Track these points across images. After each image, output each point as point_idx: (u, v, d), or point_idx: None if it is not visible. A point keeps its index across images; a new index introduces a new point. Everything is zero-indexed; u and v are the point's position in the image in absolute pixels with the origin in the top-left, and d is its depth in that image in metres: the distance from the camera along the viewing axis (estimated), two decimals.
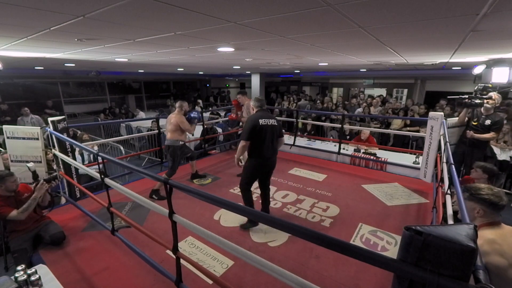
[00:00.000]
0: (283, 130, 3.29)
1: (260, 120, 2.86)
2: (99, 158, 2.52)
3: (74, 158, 3.72)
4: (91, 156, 4.56)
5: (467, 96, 3.60)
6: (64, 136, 3.28)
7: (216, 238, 1.66)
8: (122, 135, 8.47)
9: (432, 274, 0.85)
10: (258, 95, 3.01)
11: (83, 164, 4.12)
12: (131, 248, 2.44)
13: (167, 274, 2.10)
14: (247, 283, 2.25)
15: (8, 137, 3.41)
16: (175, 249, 1.95)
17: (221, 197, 1.62)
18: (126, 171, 4.50)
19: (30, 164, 2.87)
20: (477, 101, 3.53)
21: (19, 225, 2.63)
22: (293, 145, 5.87)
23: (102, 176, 2.58)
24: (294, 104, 10.19)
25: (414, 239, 0.89)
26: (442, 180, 2.92)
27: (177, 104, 3.99)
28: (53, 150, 3.46)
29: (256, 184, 3.18)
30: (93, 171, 2.83)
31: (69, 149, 3.50)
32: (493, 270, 1.38)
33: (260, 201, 3.25)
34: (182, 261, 2.00)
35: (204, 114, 6.17)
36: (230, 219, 3.18)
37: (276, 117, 3.11)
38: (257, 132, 2.84)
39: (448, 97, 5.24)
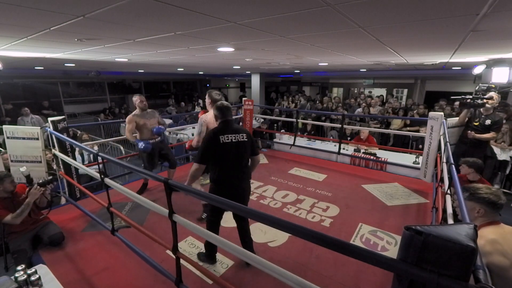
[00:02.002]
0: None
1: (221, 136, 2.18)
2: (99, 158, 2.52)
3: (74, 158, 3.72)
4: (91, 156, 4.56)
5: (470, 97, 3.60)
6: (64, 136, 3.29)
7: (216, 238, 1.66)
8: (122, 135, 8.47)
9: (432, 274, 0.85)
10: (224, 103, 2.36)
11: (83, 164, 4.13)
12: (131, 248, 2.44)
13: (167, 274, 2.10)
14: (247, 283, 2.25)
15: (8, 137, 3.41)
16: (175, 249, 1.95)
17: (220, 197, 1.62)
18: (126, 171, 4.50)
19: (23, 169, 2.79)
20: (480, 101, 3.54)
21: (15, 227, 2.61)
22: (293, 145, 5.88)
23: (102, 176, 2.57)
24: (293, 104, 10.20)
25: (414, 239, 0.89)
26: (442, 180, 2.92)
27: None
28: (53, 150, 3.46)
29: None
30: (93, 171, 2.82)
31: (69, 149, 3.50)
32: (495, 271, 1.38)
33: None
34: (182, 261, 2.00)
35: None
36: (230, 219, 3.17)
37: (246, 130, 2.38)
38: (216, 152, 2.18)
39: (452, 97, 5.24)
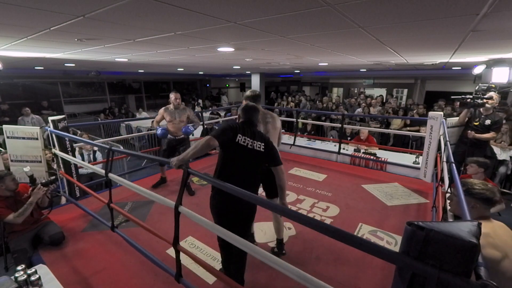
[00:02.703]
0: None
1: (239, 135, 1.87)
2: (98, 155, 2.52)
3: (74, 157, 3.72)
4: (91, 156, 4.58)
5: (470, 97, 3.61)
6: (67, 134, 3.29)
7: (220, 230, 1.65)
8: (122, 135, 8.48)
9: (433, 268, 0.85)
10: (250, 104, 2.15)
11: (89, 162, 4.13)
12: (131, 245, 2.43)
13: (167, 269, 2.08)
14: (247, 283, 2.25)
15: (8, 137, 3.42)
16: (176, 242, 1.92)
17: (238, 188, 1.60)
18: (126, 170, 4.51)
19: (27, 169, 2.81)
20: (479, 101, 3.55)
21: (17, 227, 2.62)
22: (293, 145, 5.88)
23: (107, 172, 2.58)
24: (293, 104, 10.22)
25: (416, 234, 0.89)
26: (442, 180, 2.92)
27: None
28: (53, 149, 3.46)
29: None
30: (96, 168, 2.82)
31: (69, 149, 3.50)
32: (487, 264, 1.40)
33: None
34: (182, 261, 1.99)
35: (204, 114, 6.17)
36: None
37: (267, 139, 1.99)
38: (227, 149, 1.89)
39: (452, 97, 5.25)
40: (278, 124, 2.60)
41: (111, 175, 2.57)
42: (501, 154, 4.60)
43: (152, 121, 4.13)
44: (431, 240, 0.86)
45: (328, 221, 3.19)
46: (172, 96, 3.90)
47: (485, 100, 3.55)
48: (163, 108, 3.95)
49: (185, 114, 3.96)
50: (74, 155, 3.67)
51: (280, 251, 2.58)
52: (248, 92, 2.48)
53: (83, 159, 4.57)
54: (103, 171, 2.63)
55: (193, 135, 6.95)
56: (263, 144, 1.94)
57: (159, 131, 3.78)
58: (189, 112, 4.00)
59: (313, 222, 1.29)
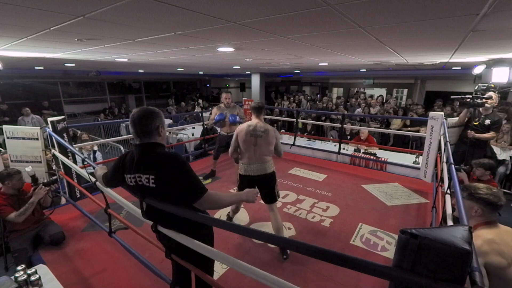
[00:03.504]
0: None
1: (125, 175, 1.46)
2: (88, 161, 2.51)
3: (75, 158, 3.71)
4: (91, 156, 4.57)
5: (470, 96, 3.61)
6: (59, 138, 3.25)
7: (205, 248, 1.52)
8: (122, 135, 8.48)
9: (428, 279, 0.85)
10: (143, 108, 1.45)
11: (84, 164, 4.11)
12: (128, 251, 2.42)
13: (163, 277, 2.08)
14: (247, 284, 2.25)
15: (8, 137, 3.42)
16: (168, 254, 1.90)
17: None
18: None
19: (29, 169, 2.82)
20: (479, 101, 3.55)
21: (18, 226, 2.63)
22: (293, 145, 5.88)
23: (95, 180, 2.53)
24: (294, 104, 10.23)
25: (410, 243, 0.89)
26: (442, 180, 2.92)
27: None
28: (52, 150, 3.46)
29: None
30: (86, 173, 2.76)
31: (69, 149, 3.49)
32: (492, 271, 1.38)
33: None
34: None
35: (204, 114, 6.17)
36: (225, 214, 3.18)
37: (162, 165, 1.34)
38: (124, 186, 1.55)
39: (451, 97, 5.25)
40: (271, 139, 2.46)
41: (98, 183, 2.51)
42: (501, 154, 4.60)
43: (207, 121, 4.85)
44: (424, 248, 0.86)
45: (328, 221, 3.19)
46: (223, 95, 4.36)
47: (484, 100, 3.55)
48: (216, 107, 4.44)
49: (235, 111, 4.39)
50: (74, 156, 3.66)
51: (282, 254, 2.54)
52: (253, 103, 2.63)
53: (83, 159, 4.57)
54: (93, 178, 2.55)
55: (193, 134, 6.98)
56: (152, 176, 1.35)
57: (217, 117, 4.22)
58: (238, 110, 4.45)
59: (292, 244, 1.19)
